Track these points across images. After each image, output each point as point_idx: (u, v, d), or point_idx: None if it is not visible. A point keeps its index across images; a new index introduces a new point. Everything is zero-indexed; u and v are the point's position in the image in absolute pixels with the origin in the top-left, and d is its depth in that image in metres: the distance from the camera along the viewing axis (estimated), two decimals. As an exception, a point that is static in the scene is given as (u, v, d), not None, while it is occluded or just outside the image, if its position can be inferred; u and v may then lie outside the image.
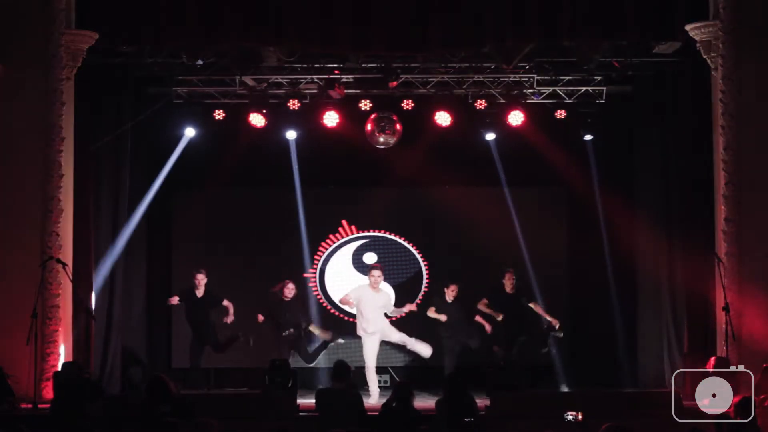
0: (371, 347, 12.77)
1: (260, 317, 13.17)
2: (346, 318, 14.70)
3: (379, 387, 12.73)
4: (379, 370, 13.07)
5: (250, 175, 14.60)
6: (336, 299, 14.76)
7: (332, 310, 14.74)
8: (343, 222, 14.89)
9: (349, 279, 14.84)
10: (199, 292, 13.21)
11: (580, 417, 9.39)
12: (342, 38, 11.65)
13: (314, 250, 14.88)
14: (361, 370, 13.60)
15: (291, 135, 14.30)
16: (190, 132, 14.16)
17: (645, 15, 11.52)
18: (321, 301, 14.74)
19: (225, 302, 13.22)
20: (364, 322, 12.81)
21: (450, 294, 13.27)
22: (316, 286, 14.82)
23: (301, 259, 14.68)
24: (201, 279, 13.19)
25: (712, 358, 10.87)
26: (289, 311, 13.20)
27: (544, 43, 12.36)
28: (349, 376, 9.78)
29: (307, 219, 14.68)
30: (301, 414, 10.63)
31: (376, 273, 12.83)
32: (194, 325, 13.30)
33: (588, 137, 14.37)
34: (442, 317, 13.18)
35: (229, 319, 13.16)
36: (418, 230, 14.98)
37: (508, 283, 13.21)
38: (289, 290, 13.25)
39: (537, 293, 13.79)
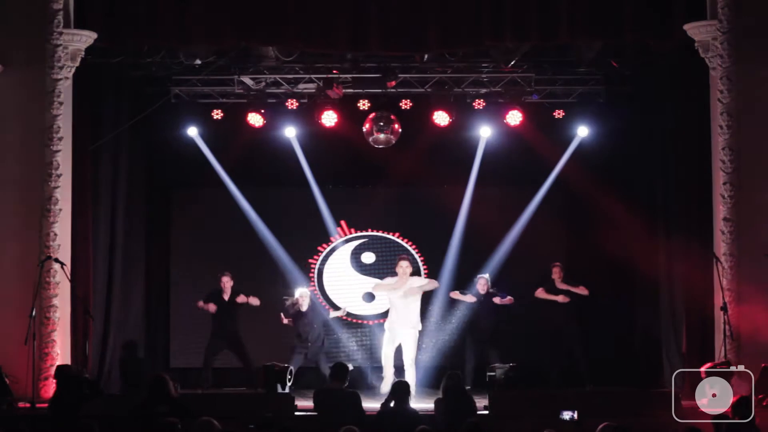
0: (390, 339, 12.49)
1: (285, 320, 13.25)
2: (344, 318, 14.70)
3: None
4: (380, 369, 13.02)
5: (249, 175, 14.59)
6: (334, 299, 14.80)
7: (330, 309, 14.72)
8: (342, 223, 14.88)
9: (348, 279, 14.86)
10: (226, 296, 13.22)
11: (575, 416, 9.41)
12: (340, 38, 11.65)
13: (312, 249, 14.87)
14: (358, 370, 13.67)
15: (290, 132, 14.29)
16: (193, 131, 14.18)
17: (643, 15, 11.52)
18: (320, 300, 14.72)
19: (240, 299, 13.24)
20: (392, 320, 12.50)
21: (482, 287, 13.30)
22: (314, 285, 14.80)
23: (300, 258, 14.66)
24: (227, 282, 13.20)
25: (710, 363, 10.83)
26: (308, 322, 13.21)
27: (543, 43, 12.35)
28: (347, 377, 9.81)
29: (306, 218, 14.68)
30: (300, 414, 10.62)
31: (404, 264, 12.52)
32: (219, 329, 13.21)
33: (586, 137, 14.37)
34: (468, 298, 13.25)
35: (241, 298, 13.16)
36: (417, 230, 14.97)
37: (557, 277, 13.27)
38: (303, 298, 13.27)
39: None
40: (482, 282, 13.37)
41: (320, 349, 13.31)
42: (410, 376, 12.29)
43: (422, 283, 12.70)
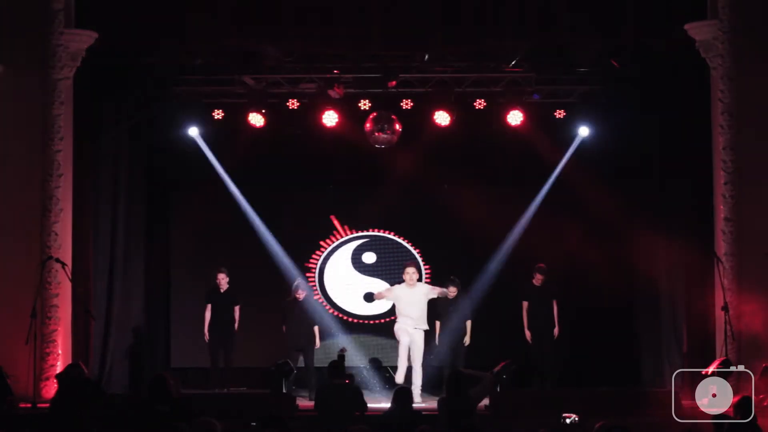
0: (405, 346, 12.61)
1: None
2: (345, 318, 14.71)
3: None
4: (378, 370, 13.04)
5: (249, 175, 14.58)
6: (335, 299, 14.81)
7: (331, 310, 14.74)
8: (332, 218, 14.86)
9: (349, 279, 14.86)
10: (222, 291, 13.39)
11: (577, 420, 9.42)
12: (341, 37, 11.66)
13: (313, 249, 14.88)
14: (356, 370, 13.66)
15: (289, 132, 14.33)
16: (193, 131, 14.21)
17: (644, 14, 11.53)
18: (320, 300, 14.73)
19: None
20: (403, 321, 12.67)
21: (451, 294, 13.27)
22: (315, 285, 14.80)
23: (300, 258, 14.66)
24: (222, 278, 13.34)
25: (715, 361, 10.83)
26: (299, 318, 13.21)
27: (544, 42, 12.35)
28: (345, 371, 9.87)
29: (306, 218, 14.69)
30: (300, 414, 10.64)
31: (411, 270, 12.73)
32: (214, 325, 13.33)
33: (587, 137, 14.37)
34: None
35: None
36: (418, 230, 14.96)
37: (538, 277, 13.31)
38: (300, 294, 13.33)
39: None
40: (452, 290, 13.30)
41: (308, 344, 13.21)
42: (419, 376, 12.47)
43: (433, 294, 12.85)
